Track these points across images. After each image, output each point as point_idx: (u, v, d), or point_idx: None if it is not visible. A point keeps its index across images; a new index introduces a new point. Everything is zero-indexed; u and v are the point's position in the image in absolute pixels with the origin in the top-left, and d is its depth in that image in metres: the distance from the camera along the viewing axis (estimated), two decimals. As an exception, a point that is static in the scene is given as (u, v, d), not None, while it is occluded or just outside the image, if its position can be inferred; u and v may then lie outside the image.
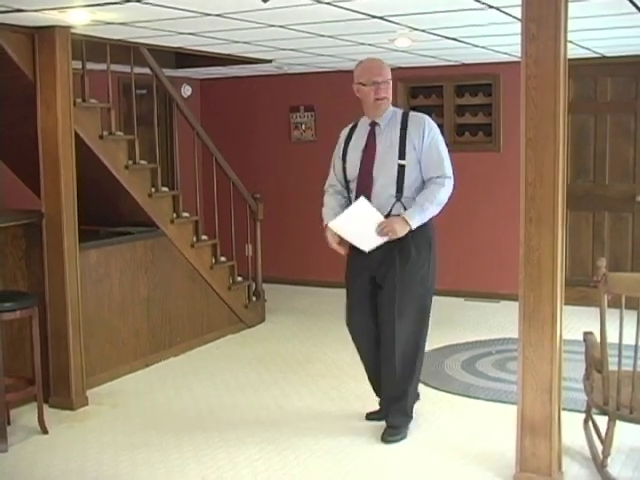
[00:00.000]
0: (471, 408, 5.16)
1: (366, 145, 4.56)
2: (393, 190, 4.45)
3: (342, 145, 4.67)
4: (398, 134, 4.48)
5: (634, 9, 4.67)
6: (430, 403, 5.24)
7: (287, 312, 7.81)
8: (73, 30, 5.11)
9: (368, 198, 4.43)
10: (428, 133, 4.51)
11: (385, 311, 4.55)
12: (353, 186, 4.59)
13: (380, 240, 4.42)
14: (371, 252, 4.47)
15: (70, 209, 5.17)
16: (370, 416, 4.88)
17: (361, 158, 4.56)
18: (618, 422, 3.86)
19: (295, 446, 4.52)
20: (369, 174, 4.50)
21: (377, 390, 4.82)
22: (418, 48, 6.53)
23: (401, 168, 4.45)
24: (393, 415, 4.65)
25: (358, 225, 4.43)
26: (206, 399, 5.39)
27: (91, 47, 5.74)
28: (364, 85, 4.51)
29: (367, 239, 4.44)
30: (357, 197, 4.49)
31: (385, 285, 4.53)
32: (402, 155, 4.45)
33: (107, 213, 6.20)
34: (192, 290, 6.63)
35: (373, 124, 4.58)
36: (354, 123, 4.71)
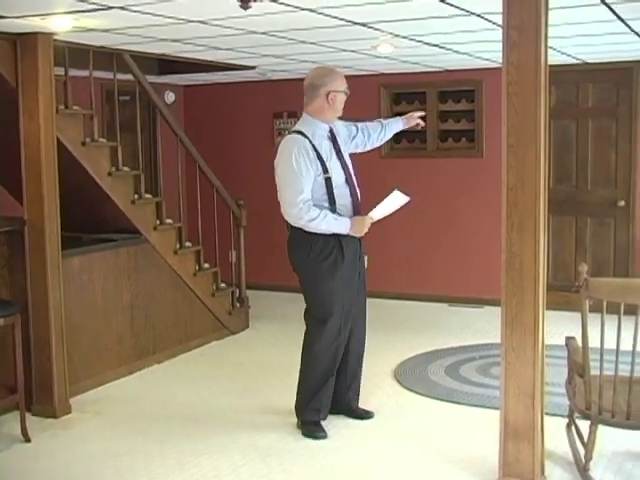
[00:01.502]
0: (455, 413, 5.17)
1: (337, 149, 4.70)
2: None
3: (316, 160, 4.56)
4: (337, 134, 4.79)
5: (613, 16, 4.71)
6: (414, 409, 5.26)
7: (271, 318, 7.81)
8: (55, 36, 5.10)
9: (358, 197, 4.74)
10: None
11: (361, 296, 4.87)
12: (339, 192, 4.64)
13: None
14: (358, 245, 4.76)
15: (53, 216, 5.15)
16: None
17: (340, 163, 4.69)
18: (600, 426, 3.88)
19: (279, 452, 4.52)
20: (350, 174, 4.75)
21: (326, 408, 4.84)
22: (401, 54, 6.56)
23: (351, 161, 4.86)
24: (356, 399, 5.02)
25: (385, 209, 4.75)
26: (190, 406, 5.38)
27: (74, 53, 5.72)
28: (341, 92, 4.67)
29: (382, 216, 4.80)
30: (353, 200, 4.70)
31: (361, 269, 4.84)
32: (346, 150, 4.85)
33: (90, 220, 6.18)
34: (175, 297, 6.61)
35: (331, 130, 4.73)
36: (301, 135, 4.60)
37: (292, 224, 4.63)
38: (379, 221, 4.75)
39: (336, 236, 4.60)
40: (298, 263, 4.73)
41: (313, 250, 4.61)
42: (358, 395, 5.05)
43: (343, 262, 4.63)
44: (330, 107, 4.66)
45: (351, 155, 4.94)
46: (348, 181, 4.71)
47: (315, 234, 4.59)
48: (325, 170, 4.58)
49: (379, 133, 5.11)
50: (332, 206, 4.61)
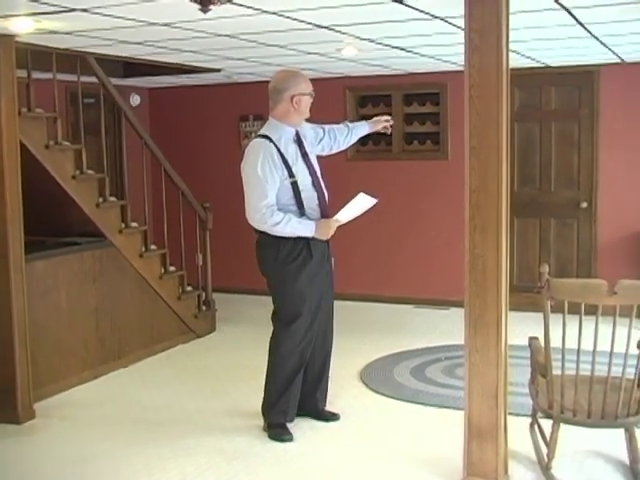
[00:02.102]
0: (420, 414, 5.20)
1: (304, 153, 4.71)
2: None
3: (282, 165, 4.56)
4: (304, 137, 4.81)
5: (573, 21, 4.77)
6: (380, 410, 5.28)
7: (237, 322, 7.80)
8: (18, 38, 5.05)
9: (326, 201, 4.75)
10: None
11: (328, 298, 4.88)
12: (307, 195, 4.64)
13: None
14: (326, 248, 4.78)
15: (16, 220, 5.10)
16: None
17: (307, 166, 4.69)
18: (562, 425, 3.93)
19: (245, 455, 4.52)
20: (318, 177, 4.76)
21: (292, 410, 4.85)
22: (365, 57, 6.58)
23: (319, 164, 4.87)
24: (323, 401, 5.04)
25: (351, 212, 4.76)
26: (156, 409, 5.36)
27: (37, 56, 5.69)
28: (307, 95, 4.67)
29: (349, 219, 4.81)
30: (321, 203, 4.70)
31: (329, 271, 4.87)
32: (313, 153, 4.86)
33: (54, 223, 6.13)
34: (141, 300, 6.58)
35: (297, 132, 4.73)
36: (267, 139, 4.60)
37: (257, 228, 4.63)
38: (346, 224, 4.77)
39: (304, 238, 4.60)
40: (266, 265, 4.73)
41: (281, 252, 4.62)
42: (325, 397, 5.07)
43: (311, 263, 4.63)
44: (296, 111, 4.66)
45: (318, 158, 4.95)
46: (315, 184, 4.71)
47: (282, 238, 4.60)
48: (291, 174, 4.58)
49: (345, 136, 5.13)
50: (300, 210, 4.61)
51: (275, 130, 4.66)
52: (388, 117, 5.27)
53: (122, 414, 5.29)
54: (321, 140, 5.02)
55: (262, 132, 4.71)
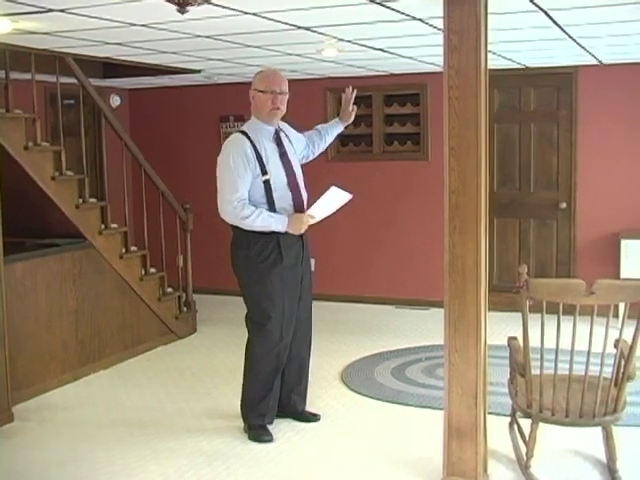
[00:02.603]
0: (401, 414, 5.21)
1: (282, 153, 4.68)
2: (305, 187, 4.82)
3: (255, 161, 4.55)
4: (287, 138, 4.81)
5: (551, 22, 4.80)
6: (361, 410, 5.29)
7: (218, 322, 7.79)
8: (-5, 39, 5.04)
9: (302, 202, 4.70)
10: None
11: (306, 299, 4.87)
12: (280, 195, 4.61)
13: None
14: (301, 248, 4.74)
15: (-6, 221, 5.07)
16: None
17: (283, 166, 4.67)
18: (541, 424, 3.95)
19: (226, 457, 4.51)
20: (295, 179, 4.73)
21: (271, 412, 4.85)
22: (346, 58, 6.60)
23: (301, 168, 4.87)
24: (302, 402, 5.03)
25: (325, 207, 4.72)
26: (136, 412, 5.34)
27: (15, 56, 5.66)
28: (262, 92, 4.62)
29: (320, 217, 4.77)
30: (296, 205, 4.66)
31: (305, 272, 4.83)
32: (296, 156, 4.86)
33: (33, 225, 6.10)
34: (121, 302, 6.56)
35: (277, 131, 4.72)
36: (244, 135, 4.62)
37: (229, 222, 4.62)
38: (323, 220, 4.75)
39: (275, 238, 4.58)
40: (237, 264, 4.72)
41: (251, 251, 4.61)
42: (304, 399, 5.06)
43: (282, 264, 4.61)
44: (255, 107, 4.67)
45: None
46: (291, 185, 4.68)
47: (254, 234, 4.57)
48: (264, 172, 4.56)
49: (320, 140, 5.13)
50: (271, 209, 4.58)
51: (253, 127, 4.67)
52: (349, 92, 5.17)
53: (102, 416, 5.27)
54: (305, 147, 5.05)
55: (241, 128, 4.75)
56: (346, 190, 4.73)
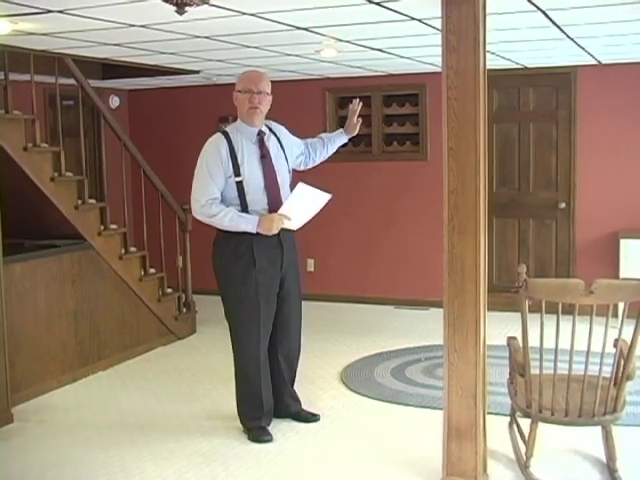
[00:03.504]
0: (401, 414, 5.21)
1: (263, 155, 4.62)
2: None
3: (228, 161, 4.52)
4: (277, 141, 4.73)
5: (549, 23, 4.81)
6: (360, 410, 5.29)
7: (218, 323, 7.69)
8: (-6, 40, 5.04)
9: (279, 206, 4.57)
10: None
11: (292, 303, 4.81)
12: (254, 198, 4.55)
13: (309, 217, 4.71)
14: (279, 252, 4.65)
15: (-7, 222, 5.07)
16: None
17: (262, 169, 4.60)
18: (541, 424, 3.95)
19: (225, 457, 4.51)
20: (275, 183, 4.63)
21: (267, 414, 4.83)
22: (344, 59, 6.60)
23: (290, 173, 4.80)
24: (295, 404, 5.02)
25: (299, 207, 4.59)
26: (135, 413, 5.34)
27: (14, 57, 5.66)
28: (240, 92, 4.62)
29: (300, 219, 4.66)
30: (271, 209, 4.57)
31: (289, 276, 4.76)
32: (287, 161, 4.76)
33: (33, 226, 6.10)
34: (121, 303, 6.55)
35: (261, 133, 4.67)
36: (223, 134, 4.61)
37: (200, 220, 4.62)
38: (310, 222, 4.70)
39: (249, 240, 4.53)
40: (214, 263, 4.73)
41: (226, 250, 4.61)
42: (297, 400, 5.04)
43: (255, 268, 4.55)
44: (238, 109, 4.66)
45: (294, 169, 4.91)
46: (269, 188, 4.59)
47: (229, 235, 4.55)
48: (237, 173, 4.52)
49: (322, 149, 5.06)
50: (244, 210, 4.54)
51: (236, 128, 4.66)
52: (355, 104, 5.05)
53: (101, 417, 5.27)
54: (302, 153, 4.99)
55: (224, 128, 4.74)
56: (323, 190, 4.63)
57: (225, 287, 4.68)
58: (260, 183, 4.57)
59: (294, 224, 4.64)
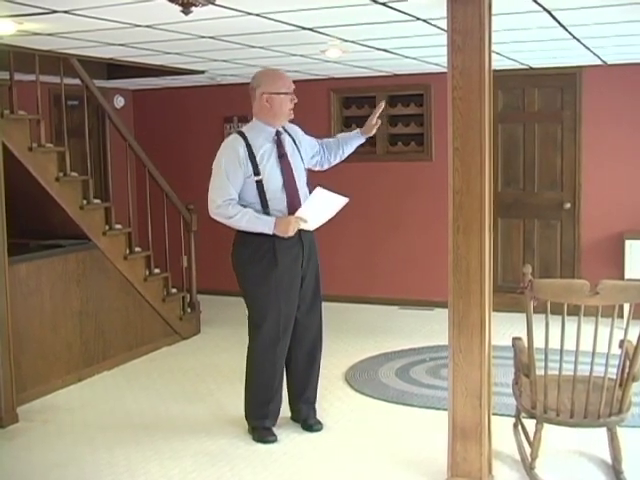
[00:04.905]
0: (405, 415, 5.21)
1: (281, 154, 4.61)
2: (309, 193, 4.66)
3: (247, 161, 4.50)
4: (292, 141, 4.72)
5: (555, 23, 4.80)
6: (365, 411, 5.29)
7: (222, 323, 7.79)
8: (-1, 40, 5.04)
9: (298, 206, 4.56)
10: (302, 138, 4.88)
11: (312, 304, 4.78)
12: (274, 196, 4.54)
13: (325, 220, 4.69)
14: (300, 250, 4.65)
15: (-1, 222, 5.08)
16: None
17: (280, 168, 4.59)
18: (546, 425, 3.95)
19: (230, 457, 4.51)
20: (293, 181, 4.62)
21: (273, 415, 4.80)
22: (349, 59, 6.59)
23: (306, 172, 4.78)
24: (309, 410, 4.92)
25: (315, 210, 4.59)
26: (140, 412, 5.34)
27: (19, 57, 5.66)
28: (284, 94, 4.57)
29: (316, 222, 4.66)
30: (291, 208, 4.55)
31: (309, 274, 4.73)
32: (303, 161, 4.75)
33: (37, 226, 6.10)
34: (126, 302, 6.56)
35: (278, 133, 4.65)
36: (240, 135, 4.58)
37: (218, 221, 4.60)
38: (325, 224, 4.70)
39: (271, 240, 4.52)
40: (235, 263, 4.70)
41: (247, 251, 4.59)
42: (313, 409, 4.95)
43: (277, 267, 4.54)
44: (270, 110, 4.58)
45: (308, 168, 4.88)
46: (287, 187, 4.58)
47: (251, 235, 4.54)
48: (256, 172, 4.51)
49: (337, 149, 5.00)
50: (265, 210, 4.53)
51: (253, 128, 4.63)
52: (380, 108, 4.97)
53: (106, 417, 5.27)
54: (317, 154, 4.95)
55: (240, 129, 4.72)
56: (340, 193, 4.62)
57: (247, 285, 4.67)
58: (279, 182, 4.57)
59: (310, 226, 4.64)
